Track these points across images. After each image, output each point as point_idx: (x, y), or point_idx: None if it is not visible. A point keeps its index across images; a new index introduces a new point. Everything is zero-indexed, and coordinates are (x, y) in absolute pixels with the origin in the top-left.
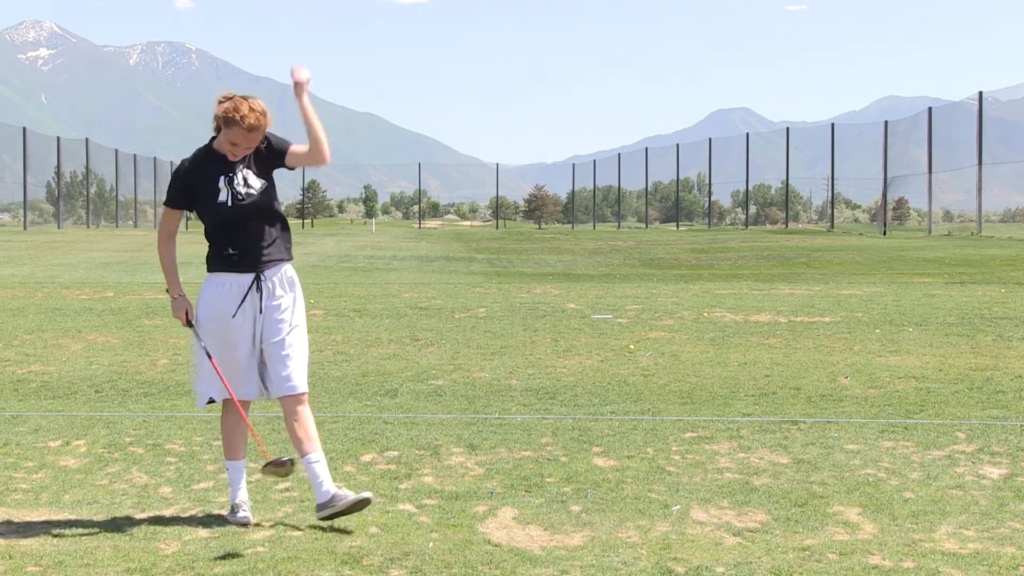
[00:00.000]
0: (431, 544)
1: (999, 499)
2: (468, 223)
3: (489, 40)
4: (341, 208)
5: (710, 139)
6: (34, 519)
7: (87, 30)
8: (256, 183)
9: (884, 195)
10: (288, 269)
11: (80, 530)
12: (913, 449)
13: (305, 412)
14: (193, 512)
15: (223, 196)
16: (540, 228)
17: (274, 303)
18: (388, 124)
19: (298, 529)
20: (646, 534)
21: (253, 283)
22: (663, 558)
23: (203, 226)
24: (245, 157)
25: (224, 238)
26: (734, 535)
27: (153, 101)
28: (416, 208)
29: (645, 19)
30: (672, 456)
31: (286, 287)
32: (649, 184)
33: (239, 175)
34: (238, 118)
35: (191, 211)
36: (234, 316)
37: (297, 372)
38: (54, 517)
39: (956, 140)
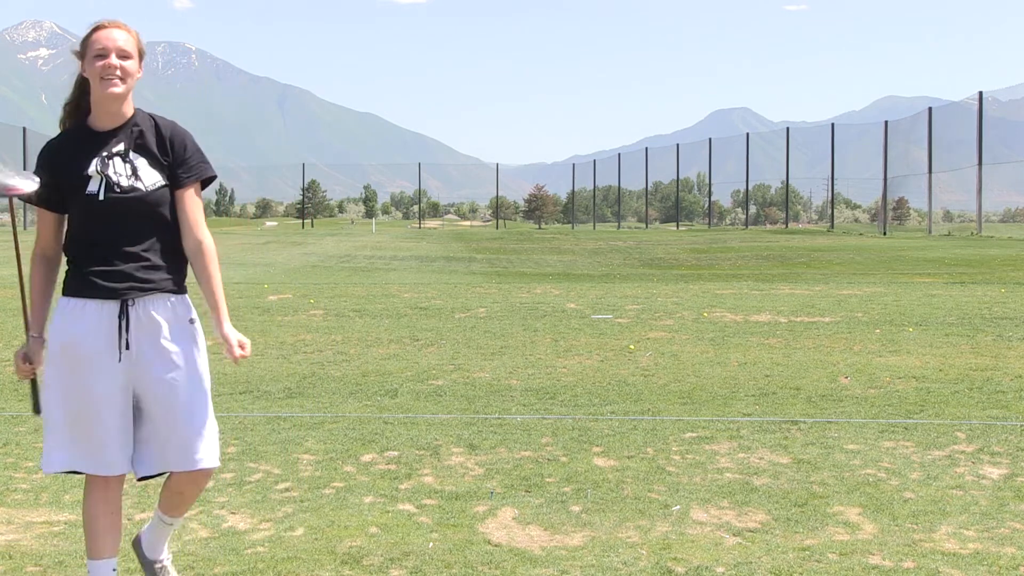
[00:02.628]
0: (431, 544)
1: (999, 499)
2: (468, 223)
3: (489, 40)
4: (341, 208)
5: (710, 139)
6: (34, 519)
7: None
8: (148, 176)
9: (884, 195)
10: (179, 304)
11: (80, 530)
12: (913, 449)
13: (199, 490)
14: (193, 512)
15: (93, 186)
16: (540, 228)
17: (157, 345)
18: (388, 124)
19: (298, 529)
20: (646, 534)
21: (120, 313)
22: (663, 558)
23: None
24: (135, 137)
25: (86, 247)
26: (734, 535)
27: (153, 101)
28: (416, 208)
29: (645, 19)
30: (672, 456)
31: (172, 326)
32: (649, 184)
33: (121, 162)
34: (95, 27)
35: (60, 210)
36: (90, 355)
37: (207, 441)
38: (54, 517)
39: (956, 140)
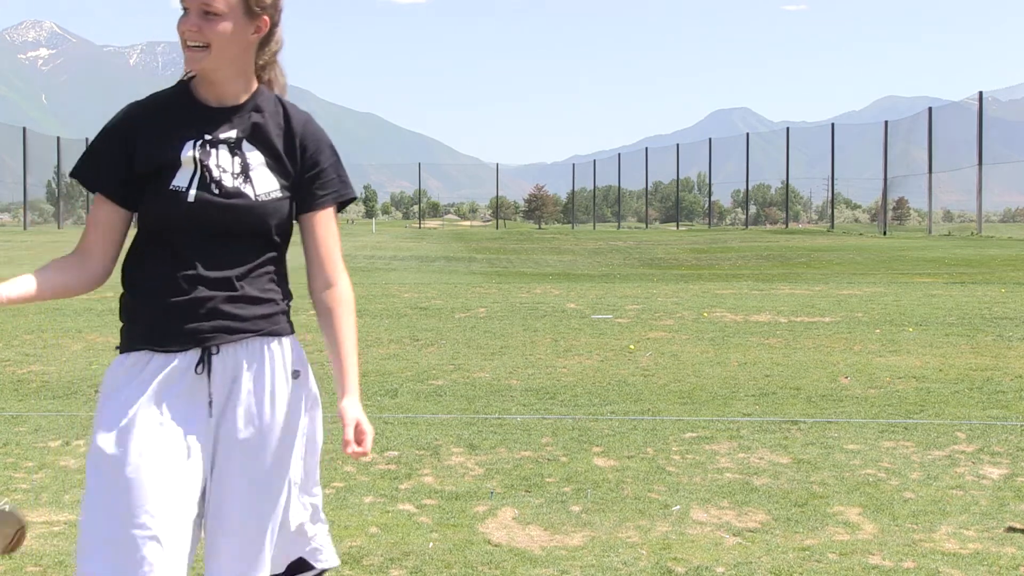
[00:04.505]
0: (431, 544)
1: (999, 499)
2: (468, 223)
3: (489, 40)
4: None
5: (710, 139)
6: (34, 519)
7: (87, 30)
8: (262, 181)
9: (884, 195)
10: (281, 351)
11: None
12: (913, 449)
13: None
14: None
15: (183, 178)
16: (540, 228)
17: (246, 407)
18: (388, 124)
19: None
20: (646, 534)
21: (199, 364)
22: (663, 558)
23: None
24: (252, 123)
25: (155, 269)
26: (734, 535)
27: None
28: (416, 208)
29: (644, 19)
30: (672, 456)
31: (274, 383)
32: (649, 184)
33: (228, 153)
34: None
35: (127, 203)
36: (161, 425)
37: (312, 537)
38: (54, 517)
39: (956, 140)
